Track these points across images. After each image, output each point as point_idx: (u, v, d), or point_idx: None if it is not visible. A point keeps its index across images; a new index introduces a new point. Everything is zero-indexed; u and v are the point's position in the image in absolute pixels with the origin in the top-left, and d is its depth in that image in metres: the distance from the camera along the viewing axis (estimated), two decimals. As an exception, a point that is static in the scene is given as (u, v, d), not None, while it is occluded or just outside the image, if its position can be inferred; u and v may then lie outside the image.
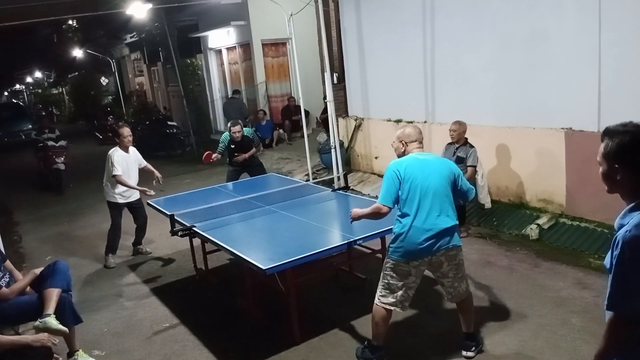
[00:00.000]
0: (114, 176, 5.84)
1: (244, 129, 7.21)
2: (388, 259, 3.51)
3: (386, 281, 3.51)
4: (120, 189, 6.00)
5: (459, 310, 3.70)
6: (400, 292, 3.47)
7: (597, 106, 5.36)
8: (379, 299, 3.55)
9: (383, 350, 3.65)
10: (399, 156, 3.58)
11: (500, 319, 4.16)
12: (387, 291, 3.51)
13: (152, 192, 5.99)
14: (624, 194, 1.88)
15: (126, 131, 6.04)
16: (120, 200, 6.08)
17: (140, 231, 6.40)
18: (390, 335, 4.04)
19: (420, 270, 3.48)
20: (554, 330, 3.89)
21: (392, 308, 3.51)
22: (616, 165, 1.83)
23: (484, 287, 4.71)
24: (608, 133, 1.88)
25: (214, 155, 7.08)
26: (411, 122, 7.78)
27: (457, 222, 3.50)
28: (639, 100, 4.96)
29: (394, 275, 3.47)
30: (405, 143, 3.56)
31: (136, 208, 6.24)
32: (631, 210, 1.85)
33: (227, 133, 7.14)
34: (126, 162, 5.98)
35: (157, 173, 6.32)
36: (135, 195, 6.15)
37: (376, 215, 3.46)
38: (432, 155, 3.61)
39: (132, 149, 6.15)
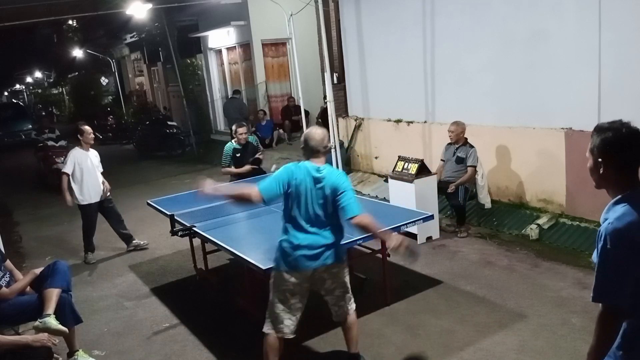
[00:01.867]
0: (62, 173, 5.98)
1: (250, 137, 6.81)
2: (272, 273, 3.38)
3: (271, 305, 3.36)
4: (80, 189, 6.06)
5: (343, 329, 3.60)
6: (286, 316, 3.34)
7: (597, 106, 5.36)
8: (265, 327, 3.39)
9: None
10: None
11: (500, 319, 4.16)
12: (273, 317, 3.36)
13: (70, 204, 6.09)
14: (608, 188, 1.96)
15: (89, 129, 6.12)
16: (85, 202, 6.15)
17: (121, 229, 6.49)
18: (390, 335, 4.05)
19: (302, 287, 3.33)
20: (554, 330, 3.89)
21: (274, 333, 3.35)
22: (599, 160, 1.92)
23: (484, 287, 4.71)
24: (596, 129, 1.96)
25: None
26: (411, 122, 7.80)
27: (336, 240, 3.30)
28: (639, 100, 4.96)
29: (277, 294, 3.32)
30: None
31: (107, 208, 6.36)
32: (614, 204, 1.92)
33: (230, 143, 6.69)
34: (84, 161, 6.06)
35: (106, 184, 6.31)
36: (98, 195, 6.23)
37: (244, 198, 3.25)
38: (326, 168, 3.31)
39: (93, 151, 6.22)
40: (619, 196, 1.92)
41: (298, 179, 3.24)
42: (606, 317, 1.89)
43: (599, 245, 1.88)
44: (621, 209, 1.87)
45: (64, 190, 6.03)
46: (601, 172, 1.93)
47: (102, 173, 6.31)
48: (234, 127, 6.79)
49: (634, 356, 1.94)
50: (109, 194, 6.34)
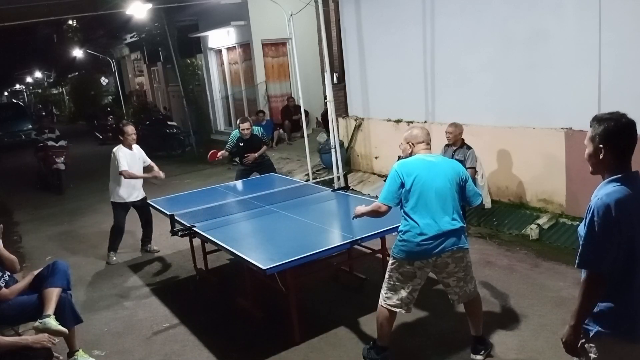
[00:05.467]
0: (121, 172, 5.83)
1: (254, 127, 7.12)
2: (392, 258, 3.48)
3: (392, 283, 3.47)
4: (125, 187, 6.00)
5: (467, 312, 3.67)
6: (404, 294, 3.44)
7: (597, 106, 5.36)
8: (383, 300, 3.52)
9: (389, 351, 3.63)
10: (407, 157, 3.59)
11: (500, 318, 4.16)
12: (392, 292, 3.48)
13: (162, 176, 6.19)
14: (604, 171, 2.17)
15: (130, 129, 6.11)
16: (127, 200, 6.09)
17: (147, 228, 6.44)
18: (391, 335, 4.05)
19: (424, 271, 3.43)
20: (554, 330, 3.88)
21: (396, 310, 3.49)
22: (600, 146, 2.12)
23: (484, 287, 4.70)
24: (596, 119, 2.19)
25: (219, 153, 7.02)
26: (411, 122, 7.79)
27: (464, 225, 3.45)
28: (639, 100, 4.95)
29: (399, 276, 3.43)
30: (413, 144, 3.60)
31: (140, 206, 6.27)
32: (606, 183, 2.14)
33: (236, 131, 7.08)
34: (130, 158, 6.01)
35: (157, 170, 6.25)
36: (140, 194, 6.20)
37: (375, 213, 3.45)
38: (439, 157, 3.61)
39: (135, 147, 6.18)
40: (611, 177, 2.13)
41: (413, 169, 3.46)
42: (589, 282, 2.13)
43: (587, 218, 2.10)
44: (611, 188, 2.10)
45: (143, 177, 6.10)
46: (601, 157, 2.13)
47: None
48: (238, 122, 7.15)
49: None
50: (158, 178, 6.27)
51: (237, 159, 7.33)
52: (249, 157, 7.01)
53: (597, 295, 2.14)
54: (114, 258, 6.24)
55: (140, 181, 6.17)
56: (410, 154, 3.59)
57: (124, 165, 5.86)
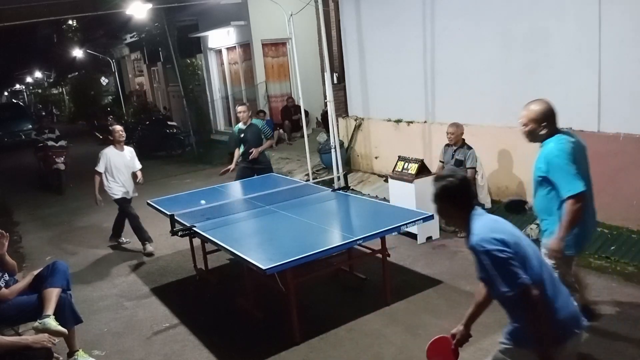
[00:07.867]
0: (95, 171, 6.25)
1: (255, 120, 7.12)
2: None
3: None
4: (116, 183, 6.30)
5: None
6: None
7: (597, 106, 5.36)
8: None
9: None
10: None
11: (500, 318, 4.13)
12: None
13: (101, 204, 6.40)
14: (458, 224, 2.49)
15: (118, 127, 6.45)
16: (122, 195, 6.35)
17: (120, 224, 6.73)
18: (390, 335, 4.05)
19: None
20: (554, 330, 3.88)
21: None
22: (443, 204, 2.43)
23: (484, 287, 4.70)
24: (435, 179, 2.46)
25: (232, 167, 7.02)
26: (411, 122, 7.79)
27: None
28: (639, 100, 4.96)
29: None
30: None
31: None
32: (476, 218, 2.38)
33: (236, 126, 7.13)
34: (116, 159, 6.30)
35: (140, 176, 6.52)
36: (132, 193, 6.49)
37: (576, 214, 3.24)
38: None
39: (128, 148, 6.48)
40: (475, 212, 2.44)
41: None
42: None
43: (479, 262, 2.36)
44: (484, 219, 2.42)
45: (95, 193, 6.36)
46: (449, 212, 2.50)
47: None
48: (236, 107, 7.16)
49: None
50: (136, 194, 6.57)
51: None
52: (252, 152, 6.85)
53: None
54: (151, 248, 6.40)
55: (128, 182, 6.41)
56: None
57: (99, 167, 6.25)
